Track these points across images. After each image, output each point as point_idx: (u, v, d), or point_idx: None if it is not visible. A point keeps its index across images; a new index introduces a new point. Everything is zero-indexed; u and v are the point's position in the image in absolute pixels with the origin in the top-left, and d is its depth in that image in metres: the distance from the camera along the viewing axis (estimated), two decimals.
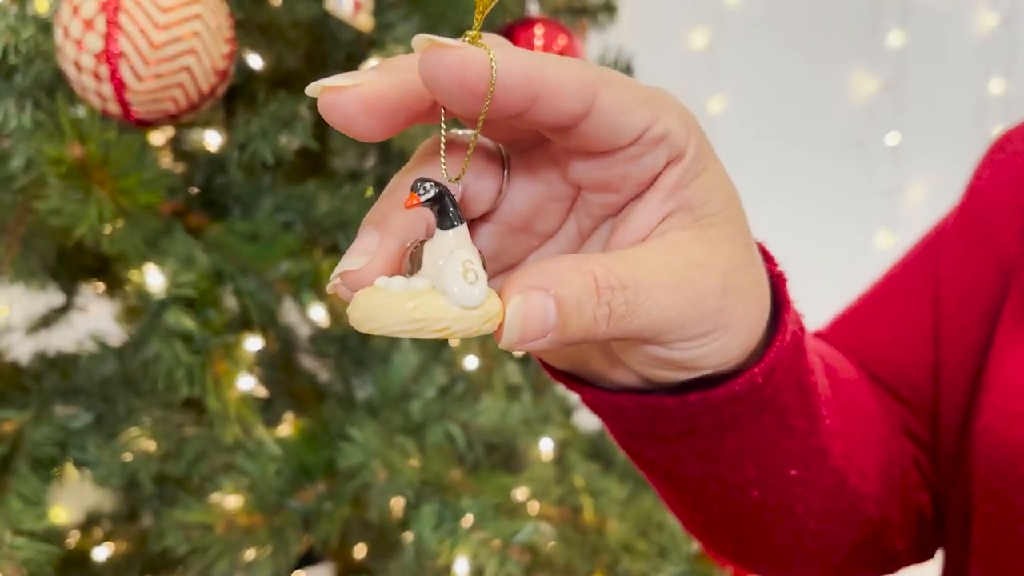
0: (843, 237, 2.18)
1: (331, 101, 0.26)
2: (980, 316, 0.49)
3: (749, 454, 0.39)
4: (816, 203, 2.13)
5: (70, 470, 0.89)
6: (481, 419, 0.95)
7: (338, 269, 0.28)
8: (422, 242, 0.26)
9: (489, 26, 0.92)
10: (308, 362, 1.13)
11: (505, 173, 0.30)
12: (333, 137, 1.02)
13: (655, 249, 0.29)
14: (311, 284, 0.81)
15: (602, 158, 0.29)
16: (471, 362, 1.02)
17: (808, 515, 0.45)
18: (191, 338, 0.75)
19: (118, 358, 0.86)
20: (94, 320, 1.09)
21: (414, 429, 0.92)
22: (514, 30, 0.83)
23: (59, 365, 0.97)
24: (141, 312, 0.81)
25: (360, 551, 1.05)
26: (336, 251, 0.89)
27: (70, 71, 0.75)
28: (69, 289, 1.08)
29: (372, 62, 0.84)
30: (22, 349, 1.01)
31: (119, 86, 0.73)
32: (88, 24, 0.72)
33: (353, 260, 0.27)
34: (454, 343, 1.00)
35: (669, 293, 0.28)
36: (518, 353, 1.14)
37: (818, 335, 0.56)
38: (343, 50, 0.96)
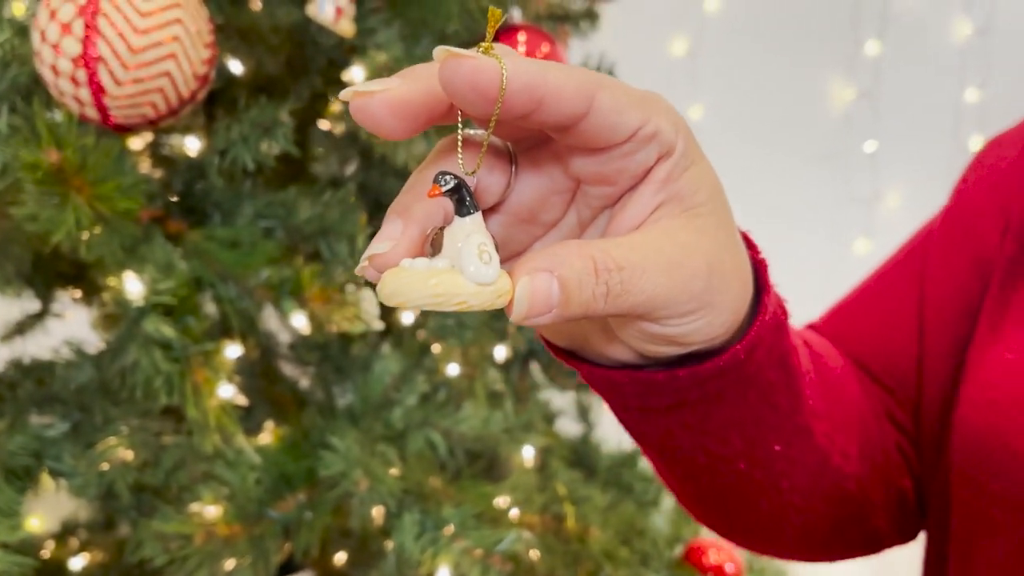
0: (821, 244, 2.19)
1: (362, 105, 0.29)
2: (961, 313, 0.52)
3: (735, 428, 0.42)
4: (795, 210, 2.14)
5: (45, 480, 0.87)
6: (463, 427, 0.94)
7: (367, 253, 0.31)
8: (442, 229, 0.30)
9: (472, 32, 0.92)
10: (288, 369, 1.12)
11: (513, 168, 0.34)
12: (314, 143, 1.02)
13: (648, 235, 0.32)
14: (292, 291, 0.80)
15: (599, 154, 0.32)
16: (453, 369, 1.01)
17: (792, 490, 0.48)
18: (170, 346, 0.74)
19: (95, 366, 0.85)
20: (70, 327, 1.08)
21: (395, 437, 0.91)
22: (498, 36, 0.83)
23: (35, 373, 0.96)
24: (119, 319, 0.80)
25: (341, 560, 1.04)
26: (317, 258, 0.88)
27: (47, 75, 0.74)
28: (45, 296, 1.06)
29: (355, 69, 0.84)
30: None
31: (97, 91, 0.72)
32: (66, 28, 0.71)
33: (380, 245, 0.31)
34: (436, 350, 1.00)
35: (660, 274, 0.31)
36: (500, 359, 1.13)
37: (811, 326, 0.59)
38: (324, 55, 0.95)
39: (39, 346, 1.04)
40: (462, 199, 0.29)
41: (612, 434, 1.40)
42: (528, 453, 1.05)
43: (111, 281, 0.72)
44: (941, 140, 2.17)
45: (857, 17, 2.08)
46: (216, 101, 0.92)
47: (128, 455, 0.82)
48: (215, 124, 0.83)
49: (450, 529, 0.83)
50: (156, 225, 0.83)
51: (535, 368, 1.21)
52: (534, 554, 0.89)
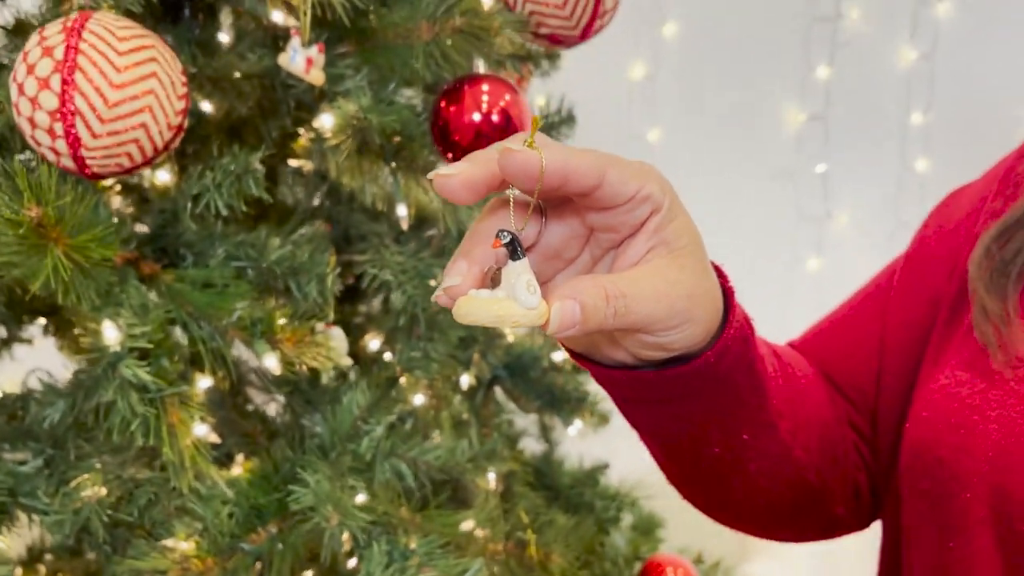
0: (775, 261, 2.26)
1: (444, 184, 0.41)
2: (915, 340, 0.64)
3: (711, 419, 0.54)
4: (749, 227, 2.20)
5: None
6: (429, 456, 0.98)
7: (444, 285, 0.43)
8: (498, 269, 0.43)
9: (437, 76, 0.95)
10: (256, 395, 1.14)
11: (543, 220, 0.46)
12: (283, 180, 1.04)
13: (643, 271, 0.44)
14: (263, 332, 0.83)
15: (608, 212, 0.44)
16: (419, 400, 1.05)
17: (759, 473, 0.60)
18: (146, 388, 0.77)
19: (69, 403, 0.87)
20: (39, 354, 1.09)
21: (363, 469, 0.94)
22: (463, 85, 0.86)
23: (6, 407, 0.97)
24: (91, 352, 0.82)
25: None
26: (288, 296, 0.91)
27: (24, 126, 0.76)
28: (14, 326, 1.07)
29: (325, 116, 0.87)
30: None
31: (74, 143, 0.74)
32: (44, 83, 0.73)
33: (453, 279, 0.43)
34: (403, 381, 1.03)
35: (652, 300, 0.43)
36: (466, 386, 1.17)
37: (790, 343, 0.71)
38: (293, 98, 0.98)
39: (10, 377, 1.06)
40: (515, 249, 0.42)
41: (574, 453, 1.44)
42: (491, 480, 1.09)
43: (90, 325, 0.74)
44: (888, 161, 2.25)
45: (808, 43, 2.16)
46: (187, 138, 0.95)
47: (102, 492, 0.84)
48: (188, 170, 0.85)
49: (417, 560, 0.86)
50: (130, 267, 0.85)
51: (499, 393, 1.25)
52: None
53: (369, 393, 0.99)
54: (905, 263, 0.67)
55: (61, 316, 1.04)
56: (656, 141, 2.15)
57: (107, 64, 0.74)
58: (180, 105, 0.79)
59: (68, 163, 0.76)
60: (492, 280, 0.43)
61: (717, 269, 0.49)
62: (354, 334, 1.13)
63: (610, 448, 1.40)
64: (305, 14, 0.84)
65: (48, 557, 1.09)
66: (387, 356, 1.12)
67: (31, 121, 0.75)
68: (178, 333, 0.85)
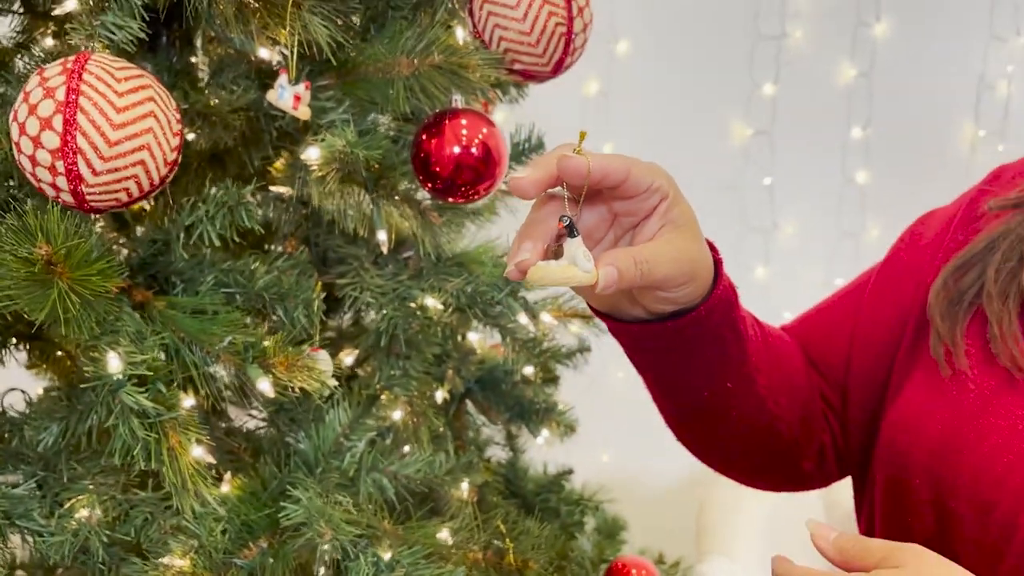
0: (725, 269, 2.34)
1: (517, 184, 0.57)
2: (880, 340, 0.78)
3: (701, 366, 0.70)
4: None
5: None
6: (410, 470, 1.02)
7: (516, 260, 0.58)
8: (559, 244, 0.58)
9: (417, 109, 1.00)
10: (232, 412, 1.17)
11: (579, 208, 0.60)
12: (265, 205, 1.08)
13: (659, 243, 0.60)
14: (255, 357, 0.87)
15: (629, 200, 0.60)
16: (398, 415, 1.09)
17: (739, 419, 0.75)
18: (146, 414, 0.80)
19: (62, 427, 0.89)
20: (11, 372, 1.10)
21: (347, 484, 0.98)
22: (443, 120, 0.91)
23: None
24: (90, 379, 0.84)
25: None
26: (276, 318, 0.94)
27: (25, 164, 0.78)
28: None
29: (311, 150, 0.91)
30: None
31: (75, 180, 0.77)
32: (46, 123, 0.76)
33: (524, 254, 0.58)
34: (383, 398, 1.08)
35: (668, 263, 0.60)
36: (440, 401, 1.21)
37: (782, 326, 0.86)
38: (276, 127, 1.02)
39: None
40: (572, 229, 0.57)
41: (537, 460, 1.50)
42: (464, 490, 1.13)
43: (91, 354, 0.77)
44: (830, 173, 2.36)
45: (753, 61, 2.25)
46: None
47: (99, 513, 0.86)
48: (179, 201, 0.89)
49: (402, 571, 0.90)
50: (123, 295, 0.88)
51: (470, 406, 1.30)
52: None
53: (350, 410, 1.03)
54: (880, 271, 0.81)
55: (44, 340, 1.06)
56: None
57: (107, 104, 0.77)
58: (175, 142, 0.82)
59: (68, 198, 0.79)
60: (554, 254, 0.59)
61: (709, 244, 0.66)
62: (328, 350, 1.17)
63: (570, 455, 1.46)
64: (292, 52, 0.88)
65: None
66: (360, 371, 1.16)
67: (32, 159, 0.77)
68: (169, 357, 0.89)
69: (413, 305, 1.04)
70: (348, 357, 1.19)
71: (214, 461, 0.86)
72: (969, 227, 0.74)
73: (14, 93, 0.85)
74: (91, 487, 0.90)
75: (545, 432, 1.35)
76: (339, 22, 0.89)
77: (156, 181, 0.82)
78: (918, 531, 0.70)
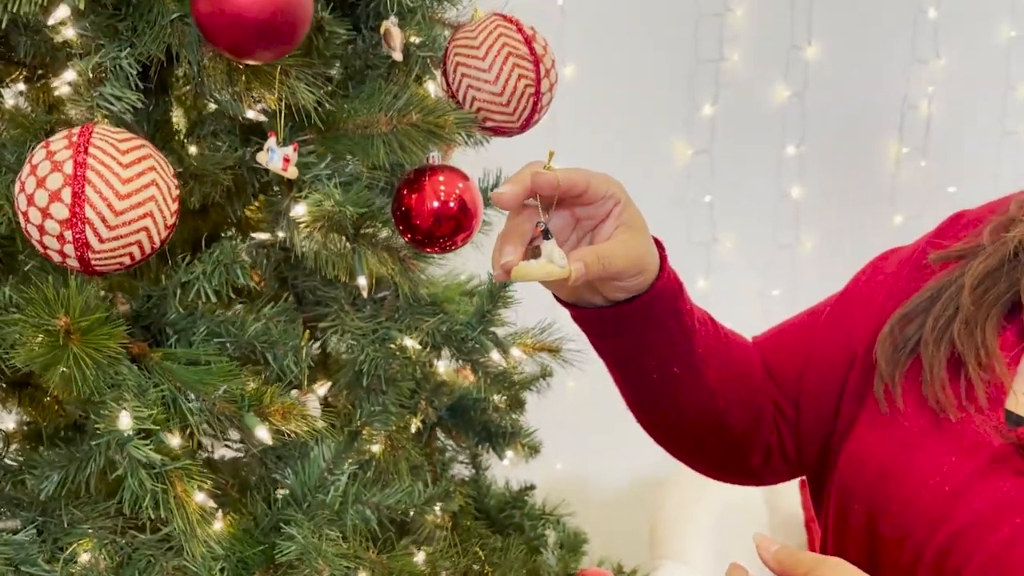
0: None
1: (499, 198, 0.70)
2: (832, 359, 0.86)
3: (651, 351, 0.80)
4: None
5: None
6: (391, 500, 1.08)
7: (501, 262, 0.70)
8: (535, 246, 0.71)
9: (394, 161, 1.06)
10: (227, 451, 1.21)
11: (550, 215, 0.71)
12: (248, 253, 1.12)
13: (616, 242, 0.72)
14: (251, 405, 0.92)
15: (588, 206, 0.73)
16: (376, 448, 1.15)
17: (689, 405, 0.85)
18: (152, 465, 0.85)
19: (62, 475, 0.93)
20: None
21: (334, 518, 1.04)
22: (423, 176, 0.97)
23: None
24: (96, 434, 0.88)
25: None
26: (266, 364, 1.00)
27: (33, 232, 0.82)
28: None
29: (298, 207, 0.96)
30: None
31: (82, 247, 0.82)
32: (55, 195, 0.80)
33: (508, 257, 0.70)
34: (365, 432, 1.13)
35: (623, 257, 0.72)
36: (414, 429, 1.28)
37: (753, 339, 0.94)
38: (260, 180, 1.07)
39: None
40: (547, 232, 0.70)
41: (499, 477, 1.57)
42: (438, 514, 1.20)
43: (106, 412, 0.82)
44: (767, 190, 2.48)
45: (693, 84, 2.35)
46: None
47: (102, 558, 0.91)
48: (174, 258, 0.93)
49: None
50: (122, 349, 0.92)
51: (440, 434, 1.36)
52: None
53: (332, 446, 1.09)
54: (840, 297, 0.91)
55: (33, 387, 1.10)
56: None
57: (113, 176, 0.82)
58: (175, 207, 0.87)
59: (74, 264, 0.83)
60: (533, 254, 0.71)
61: (657, 241, 0.77)
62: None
63: (527, 465, 1.53)
64: (280, 116, 0.94)
65: None
66: (332, 400, 1.22)
67: (40, 228, 0.82)
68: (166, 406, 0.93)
69: (393, 346, 1.10)
70: (321, 388, 1.24)
71: (215, 506, 0.91)
72: (918, 273, 0.84)
73: None
74: (91, 531, 0.95)
75: (510, 453, 1.43)
76: (322, 89, 0.95)
77: (157, 244, 0.86)
78: (854, 551, 0.80)
